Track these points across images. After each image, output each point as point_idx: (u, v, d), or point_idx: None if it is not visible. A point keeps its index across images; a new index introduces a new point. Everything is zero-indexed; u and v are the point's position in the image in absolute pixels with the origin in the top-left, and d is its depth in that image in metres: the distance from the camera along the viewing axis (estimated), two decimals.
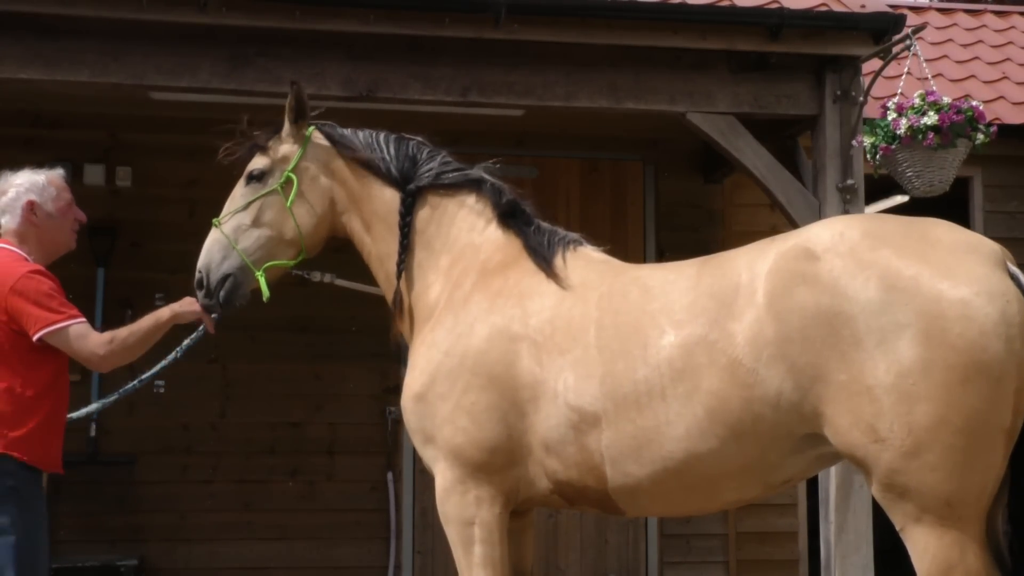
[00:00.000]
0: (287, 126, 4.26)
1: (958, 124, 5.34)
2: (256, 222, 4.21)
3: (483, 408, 3.74)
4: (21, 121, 7.23)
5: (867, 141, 5.54)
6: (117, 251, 7.34)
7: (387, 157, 4.18)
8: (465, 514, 3.80)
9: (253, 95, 6.04)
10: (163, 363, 4.51)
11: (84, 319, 3.96)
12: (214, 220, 4.27)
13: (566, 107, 6.25)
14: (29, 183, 4.06)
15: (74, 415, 4.30)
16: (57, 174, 4.17)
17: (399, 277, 4.14)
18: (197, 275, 4.22)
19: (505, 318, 3.81)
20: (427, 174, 4.15)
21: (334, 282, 4.43)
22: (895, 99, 5.53)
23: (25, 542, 3.80)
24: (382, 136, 4.25)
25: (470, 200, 4.15)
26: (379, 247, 4.21)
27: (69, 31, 5.71)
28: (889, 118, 5.45)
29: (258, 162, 4.26)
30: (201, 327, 4.31)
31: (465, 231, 4.10)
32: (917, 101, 5.41)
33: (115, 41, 5.79)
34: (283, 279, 4.34)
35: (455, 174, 4.17)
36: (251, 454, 7.42)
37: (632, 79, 6.23)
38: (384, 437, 7.52)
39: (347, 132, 4.29)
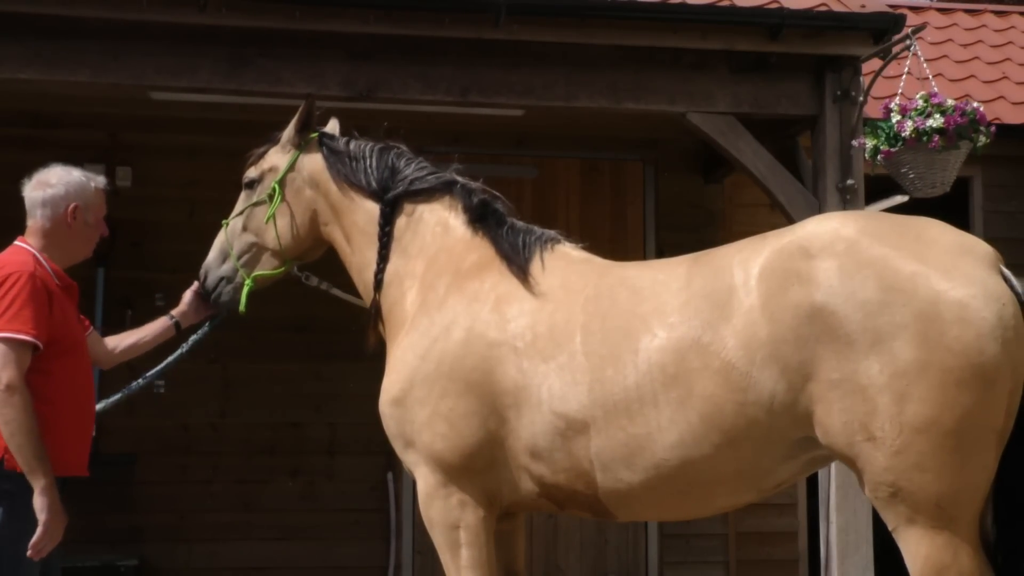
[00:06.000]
0: (288, 133, 4.36)
1: (962, 126, 5.31)
2: (245, 228, 4.39)
3: (461, 414, 3.73)
4: (21, 121, 7.22)
5: (869, 143, 5.49)
6: (117, 251, 7.33)
7: (369, 169, 4.23)
8: (450, 518, 3.82)
9: (253, 95, 6.05)
10: (170, 359, 4.63)
11: (31, 339, 3.68)
12: (223, 220, 4.44)
13: (566, 107, 6.24)
14: (79, 186, 4.05)
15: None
16: (102, 183, 4.16)
17: (376, 288, 4.16)
18: (201, 271, 4.44)
19: (482, 323, 3.78)
20: (402, 182, 4.19)
21: (330, 290, 4.53)
22: (896, 100, 5.49)
23: (8, 549, 3.71)
24: (368, 146, 4.29)
25: (443, 204, 4.16)
26: (358, 258, 4.26)
27: (69, 31, 5.70)
28: (893, 120, 5.39)
29: (252, 171, 4.42)
30: (206, 324, 4.48)
31: (439, 235, 4.10)
32: (920, 103, 5.37)
33: (115, 41, 5.78)
34: (283, 279, 4.43)
35: (429, 178, 4.19)
36: (251, 454, 7.42)
37: (632, 79, 6.22)
38: (384, 437, 7.46)
39: (339, 144, 4.33)
